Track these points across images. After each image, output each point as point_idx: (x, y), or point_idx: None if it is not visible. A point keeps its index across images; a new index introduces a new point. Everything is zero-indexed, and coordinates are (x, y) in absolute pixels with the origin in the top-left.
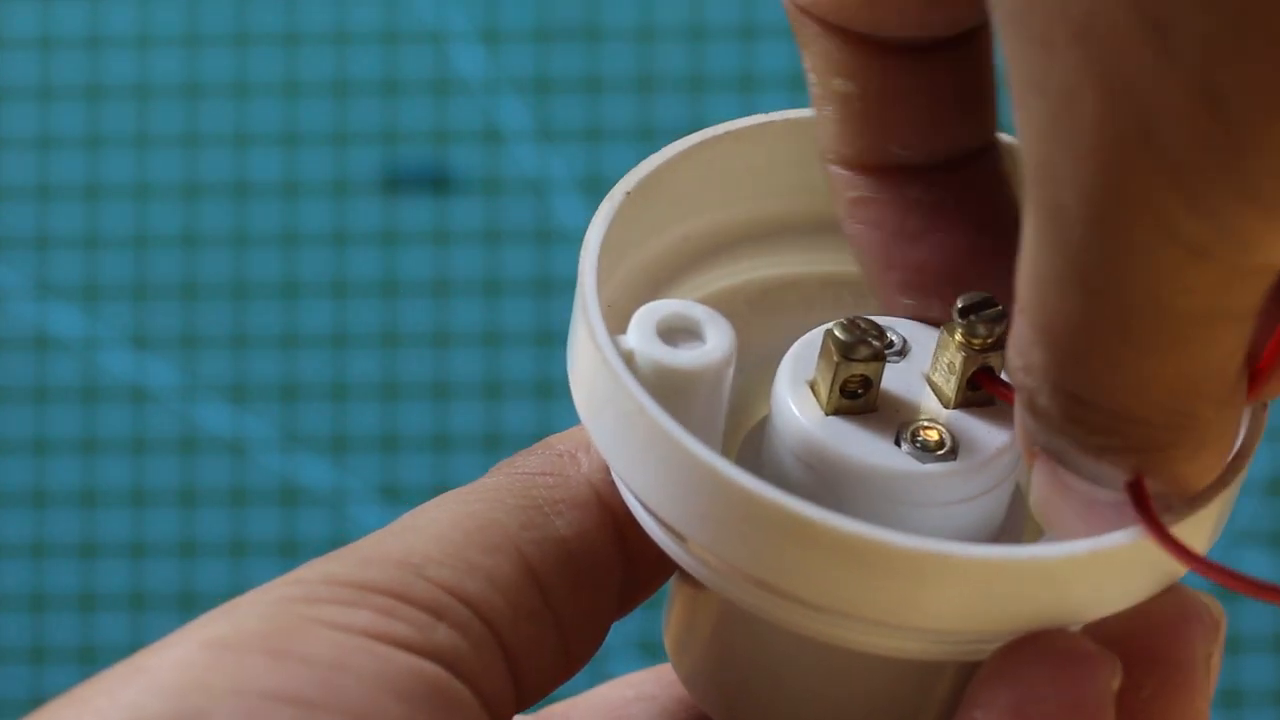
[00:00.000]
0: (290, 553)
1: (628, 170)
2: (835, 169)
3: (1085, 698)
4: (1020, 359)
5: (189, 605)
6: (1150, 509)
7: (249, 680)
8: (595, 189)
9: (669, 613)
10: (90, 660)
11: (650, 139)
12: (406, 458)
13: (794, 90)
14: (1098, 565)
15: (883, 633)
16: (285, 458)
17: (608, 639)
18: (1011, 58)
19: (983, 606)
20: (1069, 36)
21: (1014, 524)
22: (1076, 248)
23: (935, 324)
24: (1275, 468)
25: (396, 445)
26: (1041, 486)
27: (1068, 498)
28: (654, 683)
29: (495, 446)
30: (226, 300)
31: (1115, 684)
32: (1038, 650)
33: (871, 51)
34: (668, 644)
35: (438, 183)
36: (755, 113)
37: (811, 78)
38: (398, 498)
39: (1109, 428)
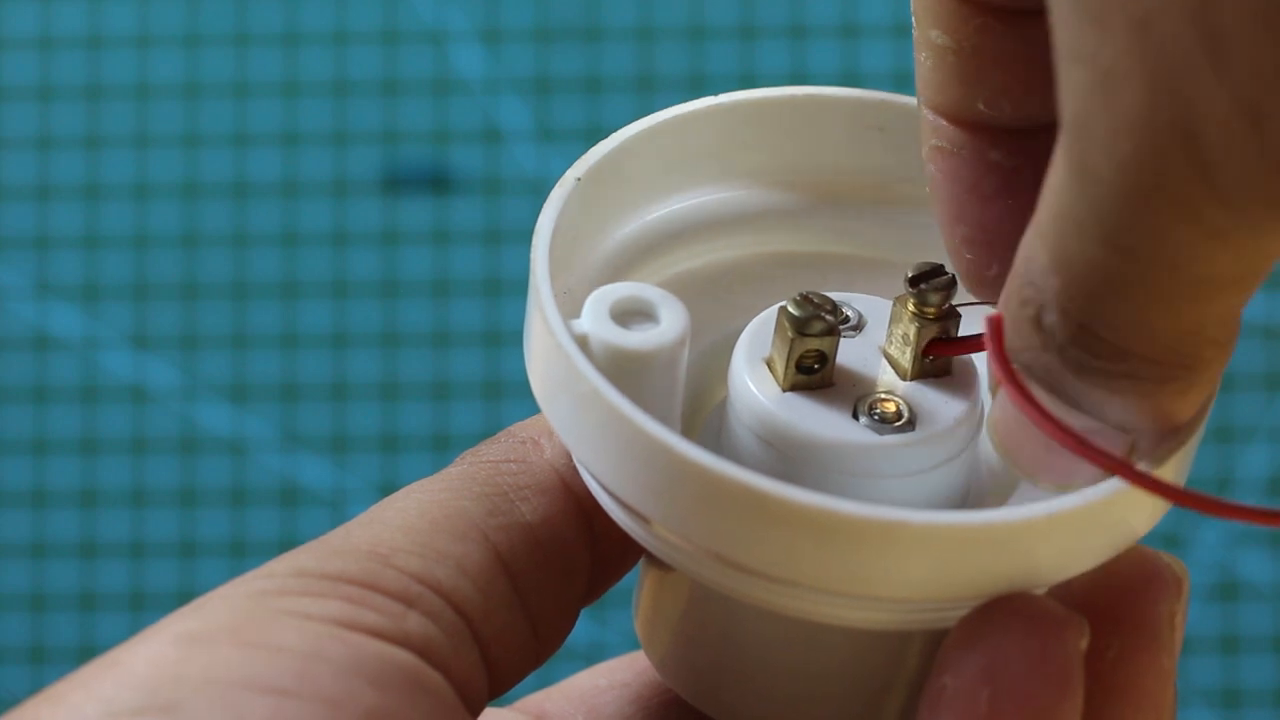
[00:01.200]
0: None
1: None
2: (926, 112)
3: (1053, 657)
4: (1029, 276)
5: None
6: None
7: (222, 671)
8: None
9: (638, 598)
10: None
11: None
12: (406, 458)
13: None
14: (1059, 527)
15: (848, 604)
16: (285, 458)
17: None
18: (1059, 23)
19: (947, 573)
20: (1126, 22)
21: (974, 493)
22: (1105, 206)
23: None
24: (1275, 468)
25: (396, 445)
26: (1005, 410)
27: (1027, 429)
28: (627, 669)
29: None
30: (226, 300)
31: (1083, 644)
32: (1004, 614)
33: (970, 9)
34: (638, 629)
35: (438, 183)
36: None
37: (914, 23)
38: None
39: (1113, 357)
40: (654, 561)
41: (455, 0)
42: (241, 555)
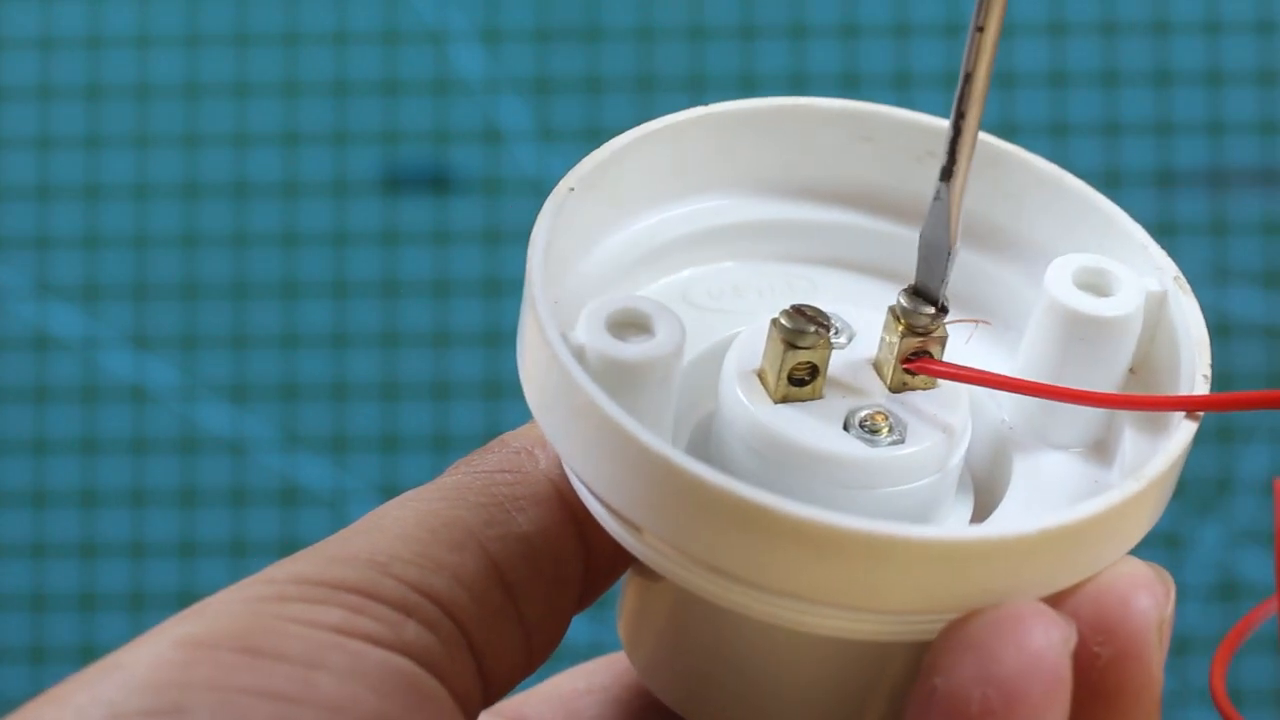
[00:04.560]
0: (290, 553)
1: None
2: None
3: (1043, 656)
4: None
5: (189, 605)
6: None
7: (225, 677)
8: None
9: (623, 603)
10: (90, 660)
11: None
12: (406, 458)
13: (794, 90)
14: (1049, 544)
15: (840, 615)
16: (285, 458)
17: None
18: None
19: (938, 586)
20: None
21: (961, 504)
22: None
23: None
24: (1275, 468)
25: (396, 445)
26: None
27: None
28: (605, 673)
29: None
30: (226, 300)
31: (1071, 645)
32: (995, 615)
33: None
34: (621, 632)
35: (438, 183)
36: None
37: None
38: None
39: None
40: (641, 569)
41: (455, 0)
42: (241, 555)
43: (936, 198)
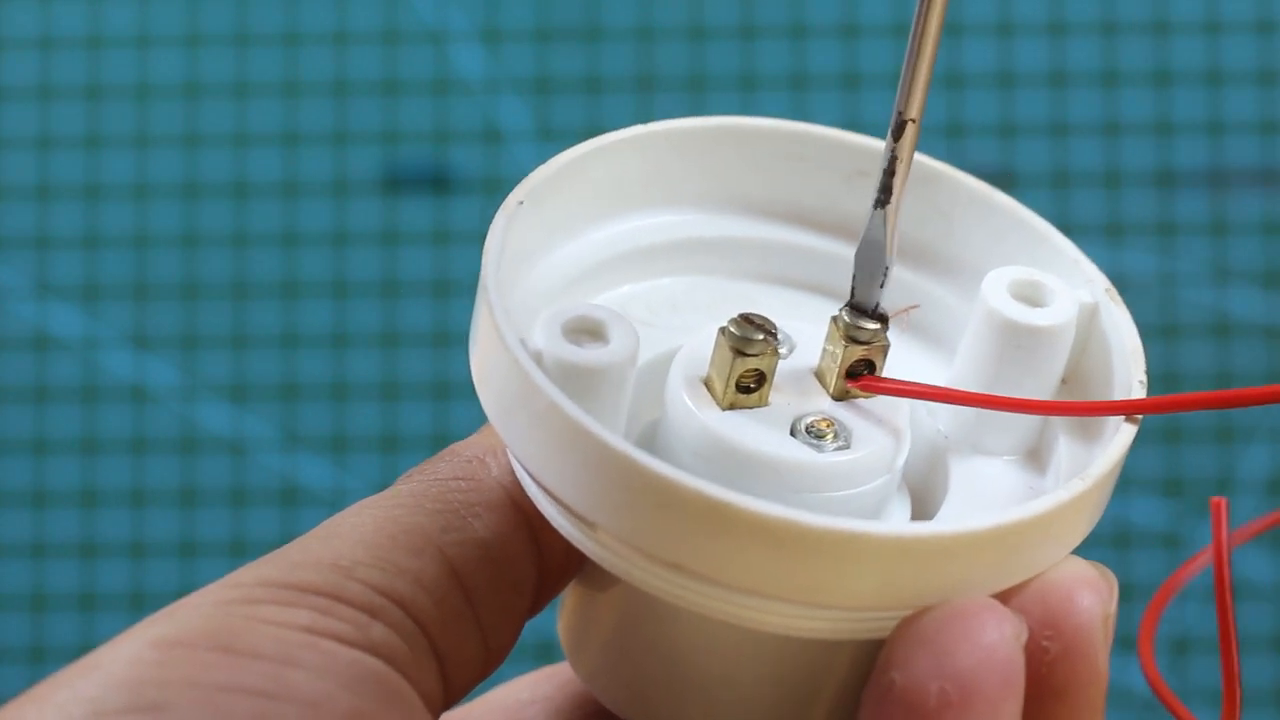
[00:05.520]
0: None
1: None
2: None
3: (996, 648)
4: None
5: None
6: None
7: (202, 674)
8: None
9: (565, 611)
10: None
11: None
12: (406, 458)
13: (793, 90)
14: (1000, 540)
15: (797, 612)
16: (285, 458)
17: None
18: None
19: (896, 583)
20: None
21: (899, 509)
22: None
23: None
24: (1275, 468)
25: (396, 445)
26: None
27: None
28: (548, 683)
29: None
30: (226, 300)
31: (1023, 640)
32: (949, 610)
33: None
34: (565, 642)
35: (438, 183)
36: (756, 114)
37: None
38: None
39: None
40: (587, 576)
41: (455, 0)
42: (241, 555)
43: (871, 220)
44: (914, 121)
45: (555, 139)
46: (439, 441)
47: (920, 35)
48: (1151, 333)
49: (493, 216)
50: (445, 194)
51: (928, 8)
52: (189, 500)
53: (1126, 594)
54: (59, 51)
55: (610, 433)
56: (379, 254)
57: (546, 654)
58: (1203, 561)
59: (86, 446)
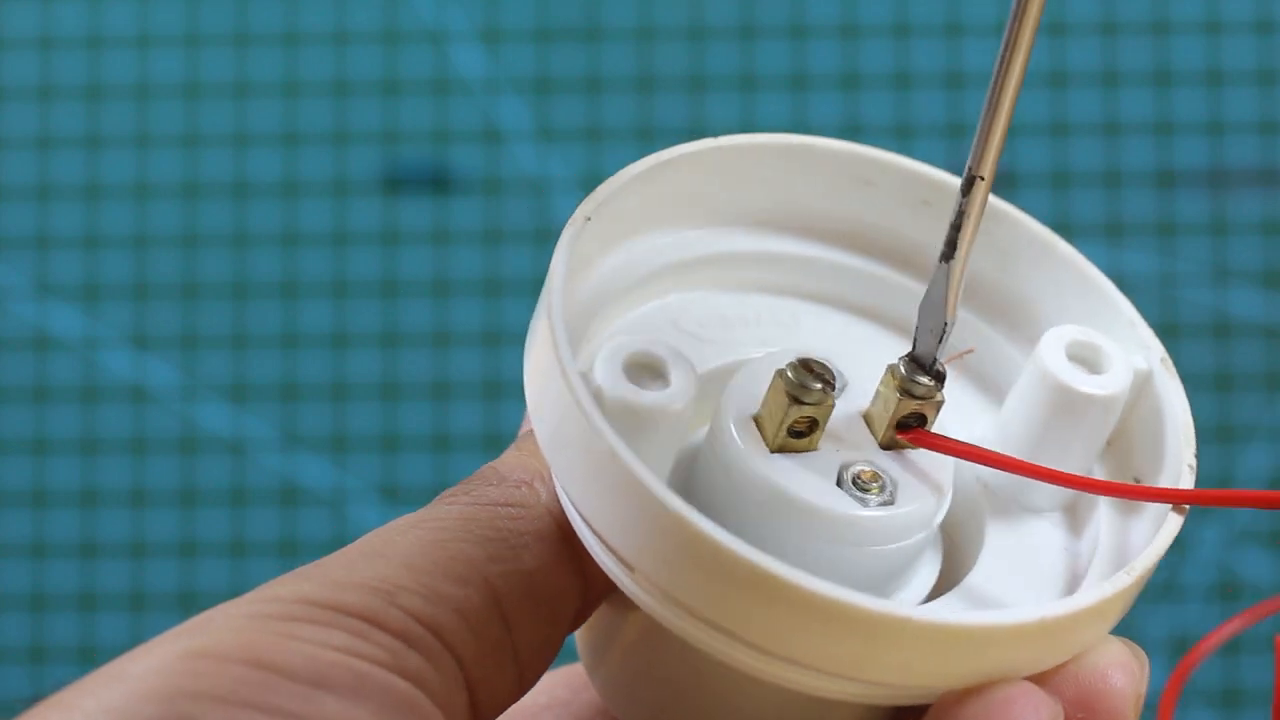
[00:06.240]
0: (290, 553)
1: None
2: None
3: None
4: None
5: (189, 605)
6: None
7: (232, 690)
8: (595, 189)
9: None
10: (90, 660)
11: (650, 139)
12: (406, 458)
13: (793, 90)
14: (1046, 631)
15: (833, 681)
16: (285, 458)
17: None
18: None
19: (939, 664)
20: None
21: (930, 558)
22: None
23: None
24: (1275, 468)
25: (396, 445)
26: None
27: None
28: (564, 687)
29: (495, 446)
30: (226, 300)
31: None
32: (989, 697)
33: None
34: (582, 648)
35: (438, 183)
36: (755, 113)
37: None
38: (397, 498)
39: None
40: (616, 597)
41: (455, 0)
42: (241, 555)
43: (935, 275)
44: (984, 179)
45: (555, 139)
46: (439, 442)
47: (999, 89)
48: None
49: (494, 215)
50: (445, 194)
51: (1009, 63)
52: (189, 500)
53: None
54: (59, 51)
55: (666, 488)
56: (379, 254)
57: (561, 655)
58: (1222, 633)
59: (86, 446)
